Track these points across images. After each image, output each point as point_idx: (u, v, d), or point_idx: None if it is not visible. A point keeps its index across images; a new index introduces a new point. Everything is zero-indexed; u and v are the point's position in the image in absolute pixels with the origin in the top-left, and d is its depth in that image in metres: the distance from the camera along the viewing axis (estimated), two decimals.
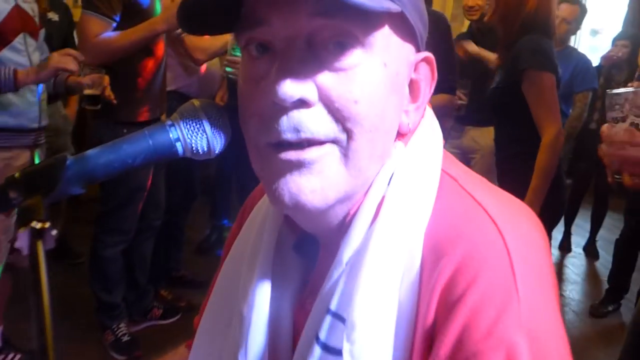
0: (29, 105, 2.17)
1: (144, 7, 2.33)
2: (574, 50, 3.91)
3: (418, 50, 0.63)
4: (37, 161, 2.24)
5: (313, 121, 0.55)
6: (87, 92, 2.23)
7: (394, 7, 0.54)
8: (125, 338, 2.62)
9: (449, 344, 0.51)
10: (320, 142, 0.56)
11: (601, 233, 4.57)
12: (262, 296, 0.66)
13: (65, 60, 2.04)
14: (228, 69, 2.79)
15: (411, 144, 0.63)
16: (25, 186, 0.51)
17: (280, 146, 0.56)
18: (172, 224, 3.09)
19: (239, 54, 2.56)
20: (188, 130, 0.57)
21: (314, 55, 0.55)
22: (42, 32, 2.29)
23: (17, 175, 0.51)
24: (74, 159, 0.53)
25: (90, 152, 0.54)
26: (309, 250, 0.68)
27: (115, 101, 2.28)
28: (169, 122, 0.57)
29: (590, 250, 4.54)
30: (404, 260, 0.57)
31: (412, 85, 0.63)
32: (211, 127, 0.58)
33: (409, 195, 0.59)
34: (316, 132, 0.55)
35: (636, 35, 4.17)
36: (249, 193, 0.85)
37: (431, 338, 0.54)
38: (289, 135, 0.55)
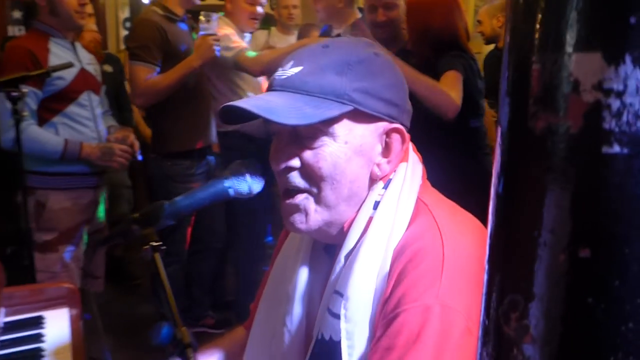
0: None
1: (182, 50, 2.72)
2: None
3: (390, 122, 0.94)
4: (100, 199, 2.61)
5: (294, 179, 0.91)
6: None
7: (345, 108, 0.88)
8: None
9: (392, 303, 0.84)
10: (303, 191, 0.91)
11: None
12: (301, 280, 1.00)
13: (119, 159, 2.45)
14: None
15: (393, 183, 0.95)
16: (142, 222, 0.85)
17: (284, 192, 0.93)
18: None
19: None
20: (235, 181, 0.90)
21: (298, 139, 0.90)
22: (103, 88, 2.68)
23: (135, 215, 0.85)
24: (168, 203, 0.87)
25: (177, 199, 0.88)
26: (333, 251, 1.00)
27: (136, 156, 2.63)
28: (224, 176, 0.91)
29: None
30: (381, 258, 0.89)
31: (387, 146, 0.95)
32: (250, 177, 0.91)
33: (388, 218, 0.91)
34: (297, 184, 0.91)
35: None
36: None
37: (386, 301, 0.86)
38: (282, 183, 0.93)
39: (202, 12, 2.68)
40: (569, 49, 0.37)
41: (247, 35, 3.19)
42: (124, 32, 6.64)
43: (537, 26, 0.39)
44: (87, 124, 2.48)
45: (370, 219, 0.92)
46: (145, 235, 0.82)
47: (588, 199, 0.37)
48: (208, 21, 2.62)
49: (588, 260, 0.38)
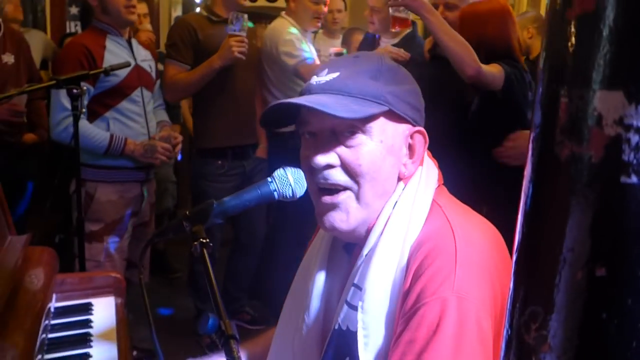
0: None
1: (212, 50, 2.74)
2: None
3: (414, 125, 1.02)
4: (145, 194, 2.68)
5: (335, 175, 0.97)
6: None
7: (382, 108, 0.95)
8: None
9: (412, 299, 0.89)
10: (343, 188, 0.96)
11: None
12: (320, 278, 1.06)
13: (161, 157, 2.53)
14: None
15: (409, 184, 1.01)
16: (192, 219, 0.91)
17: (321, 190, 0.98)
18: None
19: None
20: (280, 184, 0.95)
21: (335, 138, 0.97)
22: (157, 84, 2.76)
23: (187, 212, 0.92)
24: (217, 203, 0.93)
25: (225, 199, 0.94)
26: (352, 250, 1.06)
27: (175, 155, 2.69)
28: (269, 179, 0.96)
29: None
30: (399, 254, 0.95)
31: (410, 148, 1.02)
32: (294, 181, 0.96)
33: (404, 217, 0.97)
34: (337, 181, 0.97)
35: None
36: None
37: (405, 297, 0.91)
38: (322, 181, 0.97)
39: (231, 13, 2.72)
40: (595, 86, 0.41)
41: (309, 34, 3.21)
42: None
43: (568, 64, 0.43)
44: (138, 119, 2.56)
45: (389, 217, 0.98)
46: (194, 232, 0.89)
47: (606, 222, 0.41)
48: (232, 22, 2.66)
49: (604, 279, 0.41)
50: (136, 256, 2.70)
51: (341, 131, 0.96)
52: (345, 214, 0.98)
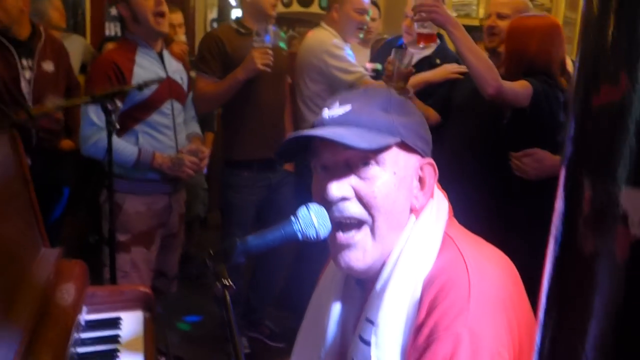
0: None
1: (240, 62, 2.73)
2: None
3: (423, 157, 1.02)
4: (173, 206, 2.67)
5: (351, 208, 0.96)
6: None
7: (394, 140, 0.96)
8: (246, 350, 3.06)
9: (425, 333, 0.88)
10: (358, 222, 0.96)
11: None
12: (334, 313, 1.07)
13: (188, 170, 2.53)
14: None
15: (421, 217, 1.01)
16: (215, 259, 0.92)
17: (335, 225, 0.97)
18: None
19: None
20: (304, 224, 0.95)
21: (350, 170, 0.97)
22: (190, 95, 2.77)
23: (211, 251, 0.92)
24: (240, 242, 0.93)
25: (249, 238, 0.94)
26: (365, 283, 1.05)
27: (202, 169, 2.71)
28: (293, 218, 0.95)
29: None
30: (412, 288, 0.94)
31: (421, 180, 1.02)
32: (318, 222, 0.95)
33: (417, 250, 0.97)
34: (353, 214, 0.96)
35: None
36: None
37: (418, 331, 0.90)
38: (337, 215, 0.97)
39: (258, 25, 2.73)
40: (621, 182, 0.39)
41: (348, 45, 3.11)
42: None
43: (592, 154, 0.42)
44: (167, 132, 2.57)
45: (401, 251, 0.98)
46: (217, 273, 0.89)
47: (631, 326, 0.39)
48: (258, 34, 2.67)
49: None
50: (165, 266, 2.74)
51: (355, 163, 0.97)
52: (362, 252, 0.98)
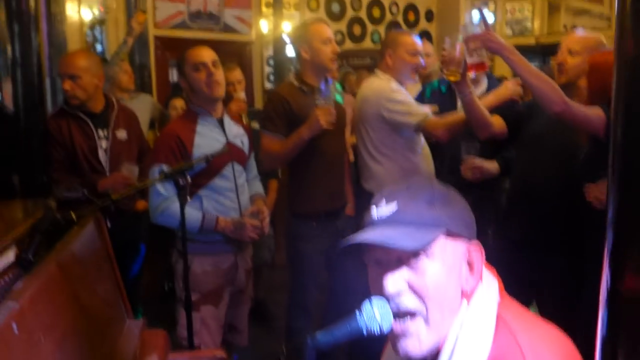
0: None
1: (306, 119, 2.81)
2: None
3: (469, 240, 1.07)
4: (239, 264, 2.74)
5: (407, 302, 1.03)
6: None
7: (440, 230, 1.02)
8: None
9: None
10: (412, 314, 1.02)
11: None
12: None
13: (251, 234, 2.62)
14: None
15: (473, 301, 1.05)
16: (288, 357, 1.00)
17: (393, 315, 1.03)
18: None
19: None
20: (368, 320, 1.01)
21: (401, 263, 1.03)
22: (252, 155, 2.88)
23: (284, 348, 1.01)
24: (310, 339, 1.01)
25: (318, 335, 1.01)
26: None
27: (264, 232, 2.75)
28: (358, 313, 1.02)
29: None
30: None
31: (469, 263, 1.07)
32: (380, 317, 1.02)
33: (472, 337, 1.01)
34: (408, 307, 1.02)
35: None
36: None
37: None
38: (394, 308, 1.03)
39: (320, 86, 2.82)
40: None
41: (404, 87, 3.15)
42: (267, 69, 7.50)
43: None
44: (229, 195, 2.65)
45: (457, 338, 1.02)
46: None
47: None
48: (319, 94, 2.74)
49: None
50: (235, 319, 2.82)
51: (406, 257, 1.03)
52: (417, 340, 1.03)
